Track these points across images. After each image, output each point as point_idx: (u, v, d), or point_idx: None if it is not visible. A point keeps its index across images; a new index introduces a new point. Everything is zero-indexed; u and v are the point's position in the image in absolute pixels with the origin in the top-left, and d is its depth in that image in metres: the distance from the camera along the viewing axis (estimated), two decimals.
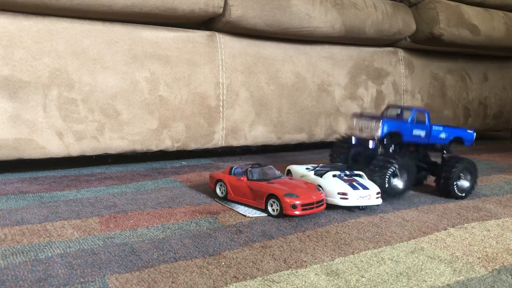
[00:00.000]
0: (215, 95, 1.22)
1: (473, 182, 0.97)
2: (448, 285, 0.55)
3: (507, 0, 1.75)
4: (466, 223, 0.79)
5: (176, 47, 1.15)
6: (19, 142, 0.99)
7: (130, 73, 1.09)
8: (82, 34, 1.04)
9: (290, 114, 1.37)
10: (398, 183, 0.91)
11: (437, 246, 0.68)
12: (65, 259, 0.59)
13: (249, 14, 1.18)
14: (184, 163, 1.27)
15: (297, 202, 0.77)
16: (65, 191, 0.93)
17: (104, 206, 0.83)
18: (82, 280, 0.54)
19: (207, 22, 1.22)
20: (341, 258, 0.62)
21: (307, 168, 0.95)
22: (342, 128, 1.48)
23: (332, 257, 0.63)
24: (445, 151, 1.01)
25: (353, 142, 0.99)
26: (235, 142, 1.29)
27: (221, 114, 1.24)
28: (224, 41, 1.23)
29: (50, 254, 0.61)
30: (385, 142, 0.95)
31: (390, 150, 0.96)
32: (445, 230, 0.75)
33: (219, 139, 1.25)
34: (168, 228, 0.72)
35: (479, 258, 0.64)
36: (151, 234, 0.70)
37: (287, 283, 0.54)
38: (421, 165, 1.00)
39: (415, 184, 1.05)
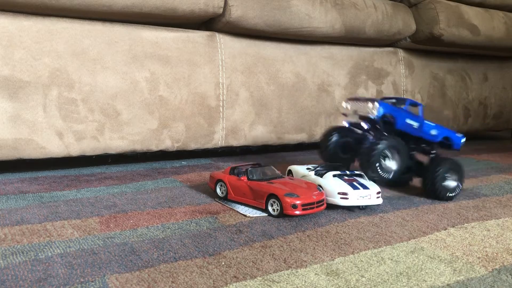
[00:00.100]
0: (215, 95, 1.22)
1: (460, 183, 0.94)
2: (448, 285, 0.55)
3: (507, 0, 1.75)
4: (466, 223, 0.79)
5: (176, 47, 1.15)
6: (19, 142, 0.99)
7: (130, 73, 1.09)
8: (82, 34, 1.04)
9: (290, 114, 1.37)
10: (391, 164, 0.88)
11: (437, 246, 0.68)
12: (65, 259, 0.59)
13: (249, 14, 1.18)
14: (184, 163, 1.27)
15: (298, 202, 0.77)
16: (65, 191, 0.93)
17: (104, 206, 0.83)
18: (82, 280, 0.54)
19: (207, 22, 1.22)
20: (341, 258, 0.62)
21: (307, 168, 0.95)
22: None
23: (332, 257, 0.63)
24: (432, 151, 0.98)
25: (346, 125, 0.97)
26: (235, 142, 1.29)
27: (221, 114, 1.24)
28: (224, 41, 1.23)
29: (50, 254, 0.61)
30: (378, 127, 0.92)
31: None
32: (445, 230, 0.75)
33: (219, 139, 1.25)
34: (168, 228, 0.72)
35: (479, 258, 0.64)
36: (151, 234, 0.70)
37: (287, 283, 0.54)
38: (407, 164, 0.97)
39: (401, 185, 1.03)
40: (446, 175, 0.93)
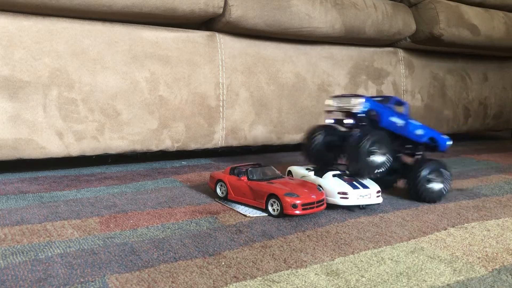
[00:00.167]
0: (215, 95, 1.22)
1: (446, 185, 0.92)
2: (448, 285, 0.55)
3: (507, 0, 1.75)
4: (466, 223, 0.79)
5: (176, 47, 1.15)
6: (19, 142, 0.99)
7: (130, 73, 1.09)
8: (82, 34, 1.04)
9: (290, 114, 1.37)
10: (378, 158, 0.86)
11: (437, 246, 0.68)
12: (65, 259, 0.59)
13: (249, 14, 1.18)
14: (184, 163, 1.27)
15: (298, 201, 0.77)
16: (65, 191, 0.93)
17: (104, 206, 0.83)
18: (82, 280, 0.54)
19: (207, 22, 1.22)
20: (341, 258, 0.62)
21: (307, 169, 0.95)
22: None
23: (332, 257, 0.63)
24: (417, 153, 0.96)
25: (330, 122, 0.94)
26: (235, 142, 1.29)
27: (221, 114, 1.24)
28: (224, 41, 1.23)
29: (50, 254, 0.61)
30: (362, 123, 0.89)
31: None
32: (445, 230, 0.75)
33: (219, 139, 1.25)
34: (168, 228, 0.72)
35: (479, 258, 0.64)
36: (151, 234, 0.70)
37: (287, 283, 0.54)
38: (392, 165, 0.95)
39: (385, 187, 1.00)
40: (430, 176, 0.90)
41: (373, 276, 0.57)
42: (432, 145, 0.97)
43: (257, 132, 1.31)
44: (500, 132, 2.25)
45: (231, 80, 1.25)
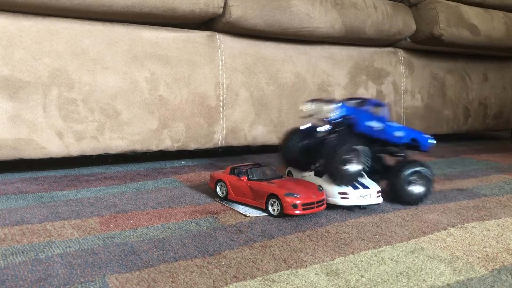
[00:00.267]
0: (215, 95, 1.22)
1: (428, 188, 0.90)
2: (448, 285, 0.55)
3: (507, 0, 1.75)
4: (466, 223, 0.79)
5: (176, 47, 1.15)
6: (19, 142, 0.99)
7: (130, 73, 1.09)
8: (82, 34, 1.04)
9: (290, 114, 1.37)
10: (352, 167, 0.84)
11: (437, 246, 0.68)
12: (65, 259, 0.59)
13: (249, 14, 1.18)
14: (184, 163, 1.27)
15: (298, 201, 0.77)
16: (65, 191, 0.93)
17: (104, 206, 0.83)
18: (82, 280, 0.54)
19: (207, 22, 1.22)
20: (341, 258, 0.62)
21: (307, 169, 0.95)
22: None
23: (332, 257, 0.63)
24: (400, 154, 0.94)
25: (305, 128, 0.92)
26: (235, 142, 1.29)
27: (221, 114, 1.24)
28: (224, 41, 1.23)
29: (50, 254, 0.61)
30: (338, 129, 0.87)
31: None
32: (445, 230, 0.75)
33: (219, 139, 1.25)
34: (168, 228, 0.72)
35: (479, 258, 0.64)
36: (151, 234, 0.70)
37: (287, 283, 0.54)
38: (373, 166, 0.93)
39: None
40: (411, 178, 0.89)
41: (373, 276, 0.57)
42: (414, 145, 0.95)
43: (257, 132, 1.31)
44: (500, 132, 2.25)
45: (231, 80, 1.25)
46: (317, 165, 0.93)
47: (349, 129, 0.88)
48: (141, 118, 1.12)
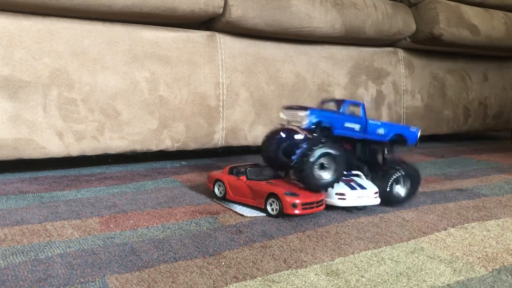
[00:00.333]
0: (215, 95, 1.22)
1: (414, 189, 0.89)
2: (448, 285, 0.55)
3: (507, 0, 1.75)
4: (466, 223, 0.79)
5: (176, 47, 1.15)
6: (19, 142, 0.99)
7: (130, 73, 1.09)
8: (82, 34, 1.04)
9: None
10: (324, 173, 0.82)
11: (437, 246, 0.68)
12: (65, 259, 0.59)
13: (249, 14, 1.18)
14: (184, 163, 1.27)
15: (297, 201, 0.77)
16: (65, 191, 0.93)
17: (104, 206, 0.83)
18: (82, 280, 0.54)
19: (207, 22, 1.22)
20: (341, 258, 0.62)
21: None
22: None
23: (332, 257, 0.63)
24: (386, 151, 0.91)
25: (282, 135, 0.89)
26: (235, 142, 1.29)
27: (221, 114, 1.24)
28: (224, 41, 1.23)
29: (50, 254, 0.61)
30: (315, 134, 0.85)
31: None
32: (445, 230, 0.75)
33: (219, 139, 1.25)
34: (168, 228, 0.72)
35: (479, 258, 0.64)
36: (151, 234, 0.70)
37: (287, 283, 0.54)
38: (358, 164, 0.91)
39: None
40: (396, 179, 0.87)
41: (373, 276, 0.57)
42: (400, 141, 0.93)
43: (257, 132, 1.31)
44: (500, 132, 2.25)
45: (231, 80, 1.25)
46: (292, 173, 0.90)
47: (327, 134, 0.86)
48: (141, 118, 1.12)
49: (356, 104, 0.91)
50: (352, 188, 0.84)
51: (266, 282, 0.55)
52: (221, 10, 1.15)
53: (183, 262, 0.60)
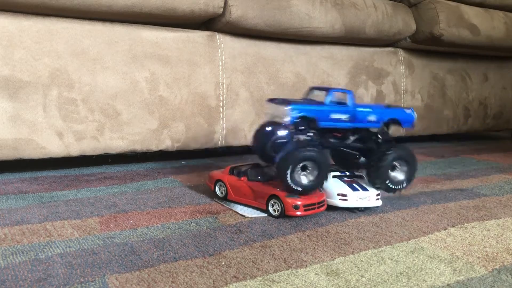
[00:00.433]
0: (215, 95, 1.22)
1: (411, 175, 0.86)
2: (448, 285, 0.55)
3: (507, 0, 1.75)
4: (466, 223, 0.79)
5: (176, 47, 1.15)
6: (19, 142, 0.99)
7: (130, 73, 1.09)
8: (82, 34, 1.04)
9: None
10: (304, 178, 0.79)
11: (437, 246, 0.68)
12: (65, 259, 0.59)
13: (249, 14, 1.18)
14: (184, 163, 1.27)
15: (299, 202, 0.77)
16: (65, 191, 0.93)
17: (104, 206, 0.83)
18: (82, 279, 0.54)
19: (207, 22, 1.22)
20: (341, 258, 0.62)
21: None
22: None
23: (332, 257, 0.63)
24: (379, 136, 0.88)
25: (269, 130, 0.87)
26: (235, 142, 1.29)
27: (221, 114, 1.24)
28: (224, 41, 1.23)
29: (50, 254, 0.61)
30: (300, 128, 0.82)
31: (304, 137, 0.83)
32: (445, 230, 0.75)
33: (219, 139, 1.25)
34: (168, 228, 0.72)
35: (479, 258, 0.64)
36: (151, 234, 0.70)
37: (287, 283, 0.54)
38: (349, 151, 0.88)
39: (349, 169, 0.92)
40: (394, 163, 0.85)
41: (373, 276, 0.57)
42: (396, 123, 0.90)
43: None
44: (500, 132, 2.25)
45: (231, 80, 1.25)
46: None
47: (312, 127, 0.83)
48: (141, 118, 1.12)
49: (343, 92, 0.87)
50: (354, 189, 0.84)
51: (266, 282, 0.55)
52: (221, 10, 1.15)
53: (183, 262, 0.60)
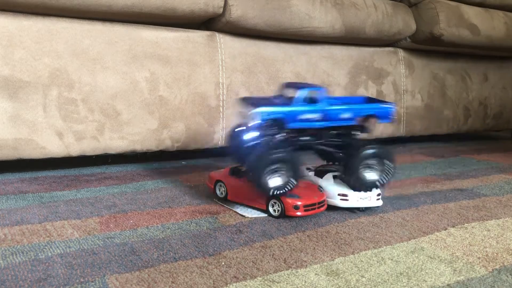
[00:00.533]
0: (215, 95, 1.22)
1: (387, 175, 0.83)
2: (448, 285, 0.55)
3: (507, 0, 1.75)
4: (466, 223, 0.79)
5: (176, 47, 1.15)
6: (19, 142, 0.99)
7: (130, 73, 1.09)
8: (82, 34, 1.04)
9: None
10: (274, 180, 0.77)
11: (437, 246, 0.68)
12: (65, 259, 0.59)
13: (249, 14, 1.18)
14: (184, 163, 1.27)
15: (299, 203, 0.77)
16: (65, 191, 0.93)
17: (104, 206, 0.83)
18: (82, 280, 0.54)
19: (207, 22, 1.22)
20: (341, 258, 0.62)
21: (307, 168, 0.95)
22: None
23: (332, 257, 0.63)
24: (356, 132, 0.85)
25: (241, 131, 0.84)
26: None
27: (221, 114, 1.24)
28: (224, 41, 1.23)
29: (50, 254, 0.61)
30: (270, 130, 0.80)
31: (276, 138, 0.80)
32: (445, 230, 0.75)
33: (219, 139, 1.25)
34: (168, 228, 0.72)
35: (479, 258, 0.64)
36: (151, 234, 0.70)
37: (287, 283, 0.54)
38: (325, 149, 0.85)
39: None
40: (367, 162, 0.81)
41: (373, 276, 0.57)
42: (374, 118, 0.86)
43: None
44: (500, 132, 2.25)
45: (231, 80, 1.24)
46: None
47: (282, 128, 0.80)
48: (141, 118, 1.12)
49: (316, 90, 0.82)
50: (357, 189, 0.83)
51: (266, 282, 0.55)
52: (221, 10, 1.15)
53: (183, 262, 0.60)
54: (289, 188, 0.78)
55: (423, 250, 0.66)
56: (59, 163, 1.17)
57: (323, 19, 1.30)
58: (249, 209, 0.83)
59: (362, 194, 0.83)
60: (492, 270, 0.60)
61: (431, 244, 0.69)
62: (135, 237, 0.68)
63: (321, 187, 0.84)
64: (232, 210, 0.83)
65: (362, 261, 0.62)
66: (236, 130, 0.89)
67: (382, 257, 0.63)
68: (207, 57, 1.20)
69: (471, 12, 1.60)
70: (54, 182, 1.00)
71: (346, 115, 0.83)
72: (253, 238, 0.69)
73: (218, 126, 1.24)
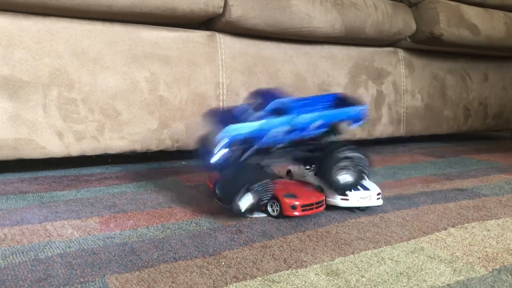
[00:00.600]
0: (215, 95, 1.22)
1: (360, 178, 0.82)
2: (448, 285, 0.55)
3: (507, 0, 1.75)
4: (466, 223, 0.79)
5: (176, 47, 1.15)
6: (19, 142, 0.99)
7: (130, 73, 1.09)
8: (82, 34, 1.04)
9: None
10: (245, 200, 0.75)
11: (437, 246, 0.68)
12: (65, 259, 0.59)
13: (249, 14, 1.18)
14: (184, 163, 1.27)
15: (297, 203, 0.77)
16: (65, 191, 0.93)
17: (104, 206, 0.83)
18: (82, 280, 0.54)
19: (207, 22, 1.22)
20: (341, 258, 0.62)
21: (307, 168, 0.95)
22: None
23: (332, 257, 0.63)
24: (328, 136, 0.83)
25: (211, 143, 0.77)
26: None
27: None
28: (224, 41, 1.23)
29: (50, 254, 0.61)
30: (237, 151, 0.76)
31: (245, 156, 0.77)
32: (445, 230, 0.75)
33: None
34: (168, 228, 0.72)
35: (479, 258, 0.64)
36: (151, 234, 0.70)
37: (287, 283, 0.54)
38: (298, 156, 0.84)
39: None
40: (340, 164, 0.79)
41: (373, 276, 0.57)
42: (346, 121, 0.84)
43: None
44: (500, 132, 2.25)
45: (231, 80, 1.25)
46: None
47: (250, 147, 0.77)
48: (141, 118, 1.12)
49: (283, 104, 0.78)
50: (355, 188, 0.84)
51: (266, 282, 0.55)
52: (221, 10, 1.15)
53: (183, 262, 0.60)
54: (261, 204, 0.76)
55: (423, 250, 0.66)
56: (59, 163, 1.17)
57: (323, 19, 1.30)
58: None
59: (362, 193, 0.83)
60: (492, 270, 0.60)
61: (431, 244, 0.69)
62: (135, 237, 0.68)
63: (320, 187, 0.84)
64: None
65: (362, 261, 0.62)
66: (204, 143, 0.81)
67: (382, 257, 0.63)
68: (207, 57, 1.20)
69: (471, 12, 1.60)
70: (54, 182, 1.00)
71: (317, 124, 0.81)
72: (253, 238, 0.69)
73: None
